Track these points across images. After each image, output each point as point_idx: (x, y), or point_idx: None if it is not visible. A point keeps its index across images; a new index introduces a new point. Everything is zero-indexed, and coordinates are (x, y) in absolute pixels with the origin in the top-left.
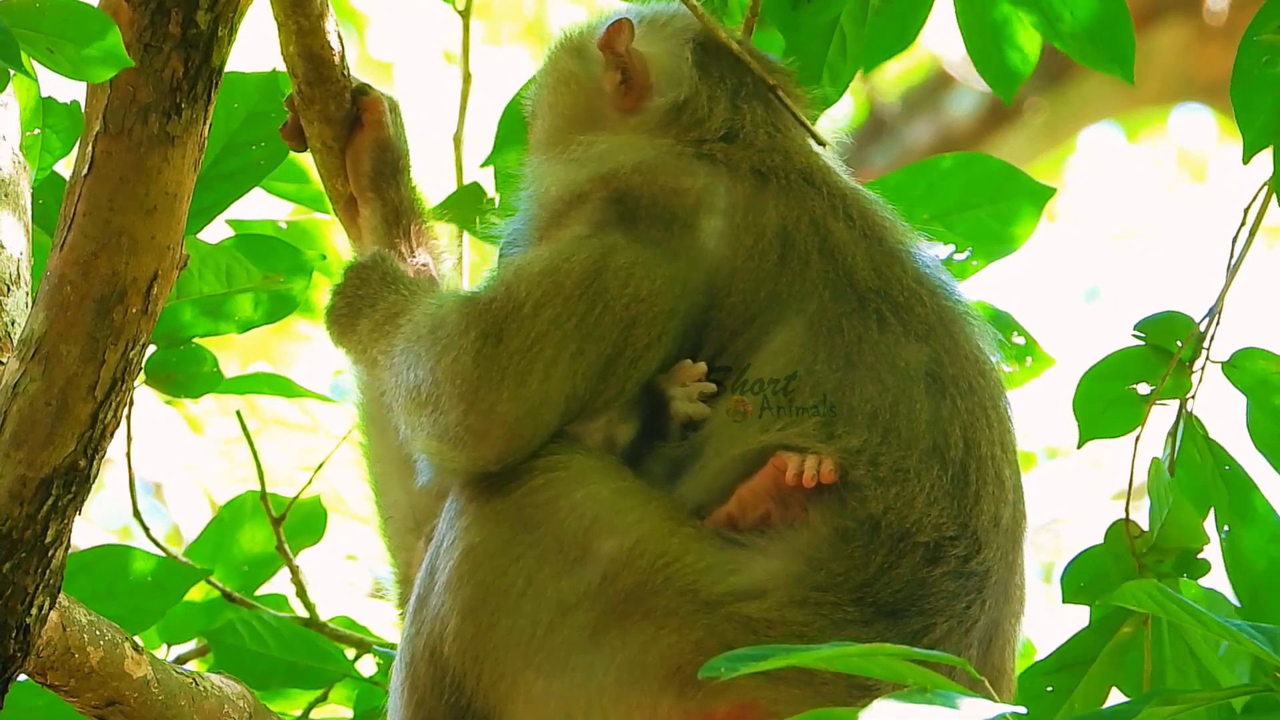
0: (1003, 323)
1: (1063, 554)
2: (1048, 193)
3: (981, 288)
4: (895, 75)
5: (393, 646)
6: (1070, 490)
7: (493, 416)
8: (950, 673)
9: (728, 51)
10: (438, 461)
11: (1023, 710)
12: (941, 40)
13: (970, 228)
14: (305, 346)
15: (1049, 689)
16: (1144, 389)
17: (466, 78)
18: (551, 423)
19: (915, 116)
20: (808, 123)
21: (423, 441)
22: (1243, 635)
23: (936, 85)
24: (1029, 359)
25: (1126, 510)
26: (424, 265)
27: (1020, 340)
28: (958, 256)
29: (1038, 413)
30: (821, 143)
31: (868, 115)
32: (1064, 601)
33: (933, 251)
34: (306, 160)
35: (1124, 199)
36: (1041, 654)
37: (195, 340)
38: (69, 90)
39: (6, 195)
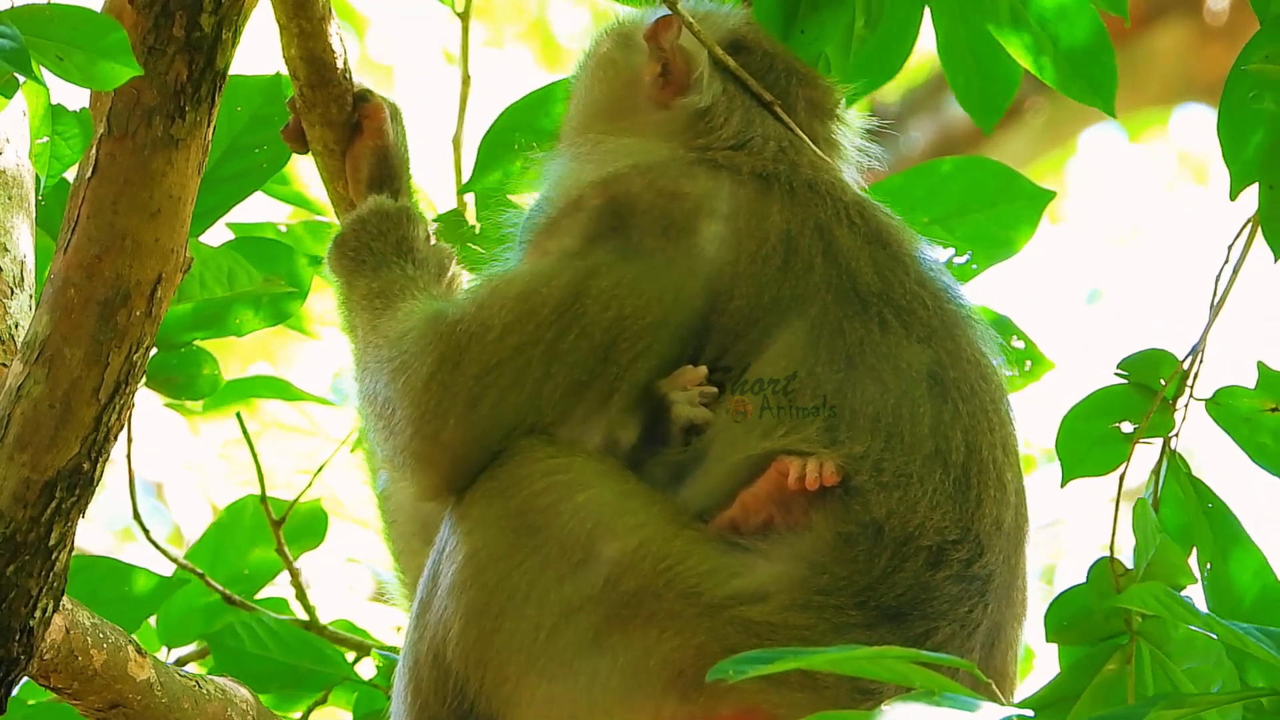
0: (1002, 326)
1: (1062, 555)
2: (1047, 196)
3: (982, 290)
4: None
5: (393, 650)
6: (1069, 492)
7: (438, 443)
8: (954, 675)
9: (754, 61)
10: (396, 482)
11: (1029, 713)
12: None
13: (970, 231)
14: (305, 347)
15: None
16: (1127, 427)
17: (466, 80)
18: (503, 445)
19: (915, 117)
20: (803, 135)
21: (382, 460)
22: (1249, 639)
23: (936, 85)
24: (1028, 363)
25: (1111, 549)
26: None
27: (1020, 344)
28: (958, 260)
29: (1037, 416)
30: (820, 154)
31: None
32: (1047, 640)
33: (933, 255)
34: (299, 168)
35: (1125, 200)
36: (1041, 659)
37: (196, 343)
38: (77, 98)
39: (11, 198)
